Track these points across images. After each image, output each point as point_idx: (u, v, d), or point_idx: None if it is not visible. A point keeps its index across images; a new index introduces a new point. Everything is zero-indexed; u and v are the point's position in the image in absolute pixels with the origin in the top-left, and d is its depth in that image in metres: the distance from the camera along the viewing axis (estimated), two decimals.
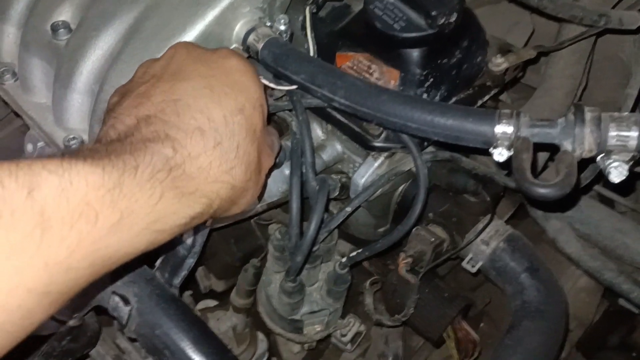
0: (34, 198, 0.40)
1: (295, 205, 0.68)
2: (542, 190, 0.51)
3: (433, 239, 0.84)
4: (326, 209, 0.69)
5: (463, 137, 0.59)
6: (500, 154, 0.57)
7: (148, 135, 0.50)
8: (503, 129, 0.56)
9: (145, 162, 0.47)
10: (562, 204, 1.02)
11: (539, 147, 0.57)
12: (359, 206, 0.81)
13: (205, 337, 0.76)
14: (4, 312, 0.40)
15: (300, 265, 0.70)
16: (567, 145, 0.55)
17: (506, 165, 0.57)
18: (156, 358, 0.76)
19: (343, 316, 0.98)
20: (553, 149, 0.57)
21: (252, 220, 1.08)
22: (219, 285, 1.20)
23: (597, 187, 1.16)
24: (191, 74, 0.56)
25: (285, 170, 0.88)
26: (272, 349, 1.13)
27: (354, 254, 0.80)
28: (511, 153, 0.57)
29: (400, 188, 0.91)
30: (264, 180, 0.62)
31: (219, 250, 1.11)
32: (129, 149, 0.47)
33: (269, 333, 1.14)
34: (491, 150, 0.58)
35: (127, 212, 0.44)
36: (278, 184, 0.89)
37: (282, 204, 0.94)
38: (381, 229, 0.97)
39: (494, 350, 0.80)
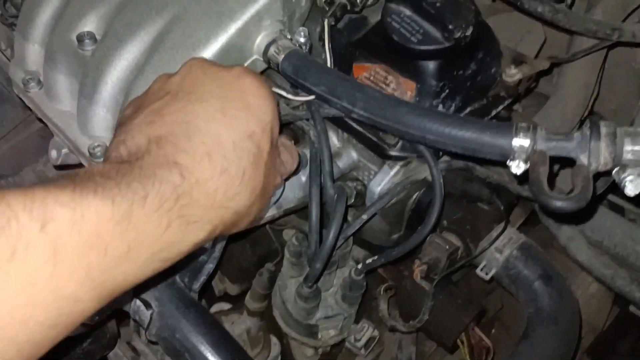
0: (47, 232, 0.40)
1: (314, 212, 0.70)
2: (559, 204, 0.53)
3: (447, 247, 0.85)
4: (344, 217, 0.70)
5: (480, 149, 0.60)
6: (517, 167, 0.58)
7: (158, 159, 0.50)
8: (520, 142, 0.58)
9: (154, 191, 0.47)
10: (578, 215, 1.03)
11: (554, 160, 0.59)
12: (375, 214, 0.83)
13: (224, 341, 0.78)
14: (15, 345, 0.40)
15: (319, 272, 0.71)
16: (583, 159, 0.57)
17: (523, 177, 0.59)
18: None
19: (357, 321, 1.00)
20: (569, 163, 0.58)
21: (267, 226, 1.10)
22: (233, 289, 1.22)
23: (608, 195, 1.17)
24: (205, 95, 0.57)
25: (302, 177, 0.90)
26: (285, 353, 1.15)
27: (369, 260, 0.81)
28: (528, 166, 0.58)
29: (415, 195, 0.92)
30: (268, 200, 0.62)
31: (234, 254, 1.12)
32: (138, 176, 0.47)
33: (282, 336, 1.16)
34: (508, 162, 0.59)
35: (135, 243, 0.45)
36: (295, 190, 0.91)
37: (298, 210, 0.96)
38: (395, 235, 0.99)
39: (508, 357, 0.81)
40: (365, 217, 0.81)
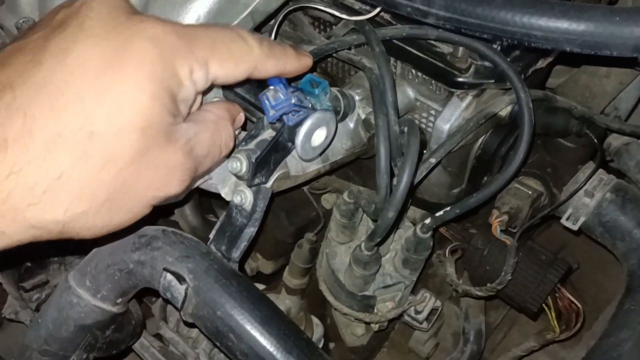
0: None
1: (383, 148, 0.56)
2: None
3: (530, 192, 0.72)
4: (420, 154, 0.57)
5: (607, 42, 0.46)
6: None
7: None
8: None
9: None
10: None
11: None
12: (445, 156, 0.69)
13: (274, 317, 0.64)
14: None
15: (391, 223, 0.58)
16: None
17: None
18: (219, 343, 0.64)
19: (413, 292, 0.87)
20: None
21: (305, 189, 0.97)
22: (267, 267, 1.09)
23: None
24: (83, 42, 0.45)
25: (350, 123, 0.77)
26: (329, 334, 1.02)
27: (440, 213, 0.68)
28: None
29: (480, 140, 0.79)
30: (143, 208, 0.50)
31: (267, 227, 0.99)
32: None
33: (324, 316, 1.03)
34: None
35: None
36: (342, 140, 0.77)
37: (346, 165, 0.83)
38: (455, 190, 0.85)
39: (611, 318, 0.67)
40: (433, 160, 0.68)
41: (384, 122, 0.57)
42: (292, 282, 1.01)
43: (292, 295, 1.02)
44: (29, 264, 0.96)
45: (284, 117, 0.62)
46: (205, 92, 0.54)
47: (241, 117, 0.61)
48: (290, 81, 0.62)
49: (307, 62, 0.61)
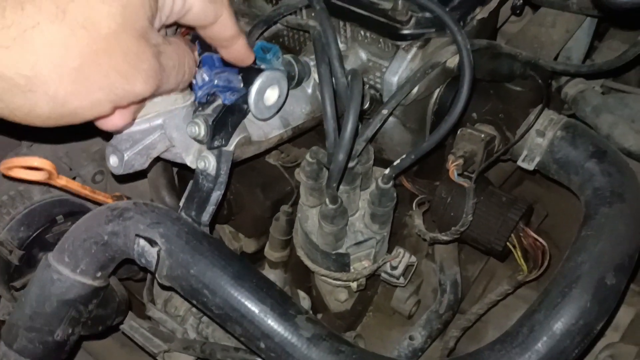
0: None
1: (327, 94, 0.59)
2: None
3: (483, 136, 0.75)
4: (362, 107, 0.60)
5: None
6: None
7: None
8: None
9: None
10: None
11: None
12: (396, 107, 0.72)
13: (246, 271, 0.67)
14: None
15: (343, 166, 0.61)
16: None
17: None
18: (195, 301, 0.67)
19: (389, 251, 0.90)
20: None
21: (277, 164, 1.00)
22: (249, 246, 1.12)
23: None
24: None
25: (308, 88, 0.80)
26: (316, 306, 1.04)
27: (397, 161, 0.71)
28: None
29: (436, 94, 0.82)
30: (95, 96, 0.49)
31: (245, 204, 1.02)
32: None
33: (310, 289, 1.05)
34: None
35: None
36: (301, 105, 0.80)
37: (308, 131, 0.86)
38: None
39: (571, 245, 0.70)
40: (385, 111, 0.71)
41: (326, 70, 0.60)
42: (274, 255, 1.04)
43: (275, 269, 1.04)
44: (17, 264, 0.99)
45: (221, 96, 0.66)
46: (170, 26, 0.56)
47: (196, 56, 0.63)
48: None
49: (250, 59, 0.64)
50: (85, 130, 0.58)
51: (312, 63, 0.79)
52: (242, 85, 0.66)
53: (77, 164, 1.12)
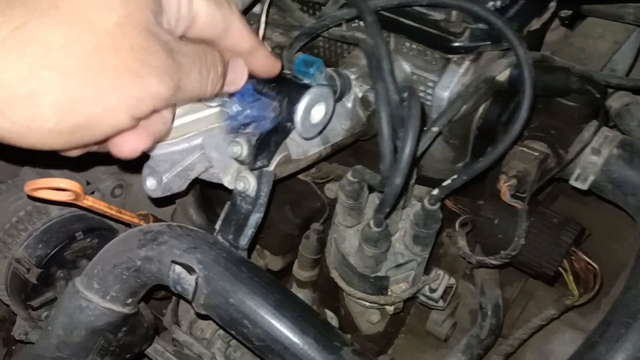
0: None
1: (384, 113, 0.55)
2: None
3: (537, 154, 0.71)
4: (423, 122, 0.56)
5: None
6: None
7: None
8: None
9: None
10: None
11: None
12: (446, 124, 0.68)
13: (287, 299, 0.63)
14: None
15: (398, 191, 0.56)
16: None
17: None
18: (234, 331, 0.63)
19: (426, 272, 0.85)
20: None
21: (308, 179, 0.96)
22: (275, 263, 1.08)
23: None
24: None
25: (347, 103, 0.76)
26: (344, 326, 1.00)
27: (447, 181, 0.67)
28: None
29: (481, 109, 0.78)
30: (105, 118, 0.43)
31: (273, 221, 0.98)
32: None
33: (338, 309, 1.01)
34: None
35: None
36: (341, 120, 0.76)
37: (347, 147, 0.82)
38: (460, 164, 0.84)
39: (630, 272, 0.66)
40: (436, 129, 0.67)
41: (383, 87, 0.56)
42: (302, 274, 0.99)
43: (303, 289, 1.00)
44: (34, 282, 0.95)
45: (251, 125, 0.62)
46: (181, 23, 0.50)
47: (240, 64, 0.56)
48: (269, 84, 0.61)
49: (277, 69, 0.59)
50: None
51: (352, 76, 0.75)
52: (275, 114, 0.62)
53: (95, 178, 1.08)
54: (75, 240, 0.97)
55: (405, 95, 0.57)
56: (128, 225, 0.97)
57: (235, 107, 0.59)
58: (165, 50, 0.44)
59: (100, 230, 0.99)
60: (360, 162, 0.94)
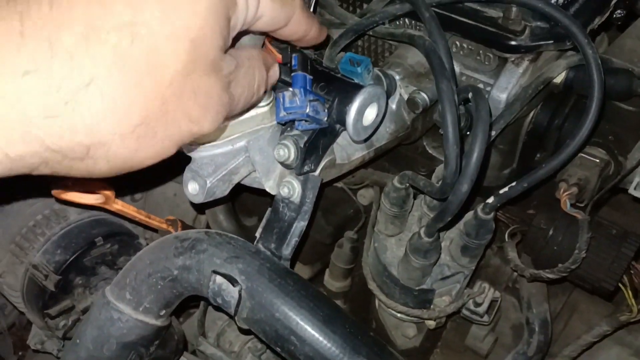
0: None
1: (450, 115, 0.51)
2: None
3: (597, 161, 0.66)
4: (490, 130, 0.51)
5: None
6: None
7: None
8: None
9: None
10: None
11: None
12: (504, 129, 0.64)
13: (336, 314, 0.59)
14: None
15: (464, 199, 0.52)
16: None
17: None
18: (279, 349, 0.58)
19: (467, 285, 0.81)
20: None
21: (342, 185, 0.92)
22: (303, 273, 1.03)
23: None
24: None
25: (392, 105, 0.72)
26: None
27: (505, 189, 0.62)
28: None
29: (531, 113, 0.74)
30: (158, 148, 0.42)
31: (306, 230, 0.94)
32: None
33: (369, 320, 0.97)
34: None
35: None
36: (386, 123, 0.72)
37: (387, 153, 0.78)
38: (506, 171, 0.80)
39: None
40: (493, 132, 0.63)
41: (448, 87, 0.52)
42: (335, 285, 0.95)
43: (335, 300, 0.96)
44: (52, 290, 0.91)
45: (295, 122, 0.58)
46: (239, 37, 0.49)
47: (276, 69, 0.55)
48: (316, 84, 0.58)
49: (324, 34, 0.57)
50: None
51: (397, 77, 0.71)
52: (326, 118, 0.58)
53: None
54: (94, 246, 0.93)
55: (469, 95, 0.53)
56: (154, 230, 0.93)
57: (296, 100, 0.54)
58: (224, 89, 0.44)
59: (120, 235, 0.95)
60: (395, 167, 0.90)
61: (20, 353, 1.29)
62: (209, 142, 0.56)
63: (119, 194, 0.75)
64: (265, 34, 0.53)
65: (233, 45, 0.48)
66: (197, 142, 0.55)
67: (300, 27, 0.51)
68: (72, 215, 0.96)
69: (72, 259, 0.92)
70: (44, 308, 0.93)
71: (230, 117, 0.49)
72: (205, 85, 0.41)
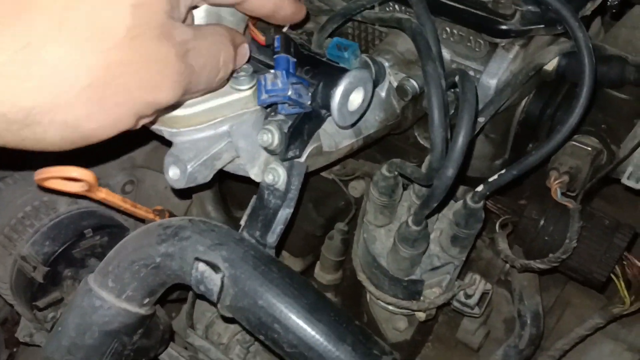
0: None
1: (436, 98, 0.50)
2: None
3: (589, 149, 0.65)
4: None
5: None
6: None
7: None
8: None
9: None
10: None
11: None
12: (493, 115, 0.63)
13: (321, 303, 0.58)
14: None
15: (450, 183, 0.51)
16: None
17: None
18: (263, 337, 0.57)
19: (459, 277, 0.80)
20: None
21: (332, 176, 0.90)
22: (294, 265, 1.02)
23: None
24: None
25: (381, 92, 0.71)
26: None
27: (494, 177, 0.61)
28: None
29: (523, 102, 0.73)
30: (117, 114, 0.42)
31: (294, 221, 0.92)
32: None
33: (360, 313, 0.96)
34: None
35: None
36: (374, 111, 0.71)
37: (376, 142, 0.77)
38: (498, 161, 0.79)
39: None
40: (482, 119, 0.62)
41: (433, 69, 0.51)
42: (325, 277, 0.94)
43: (326, 293, 0.95)
44: (41, 282, 0.90)
45: (278, 106, 0.57)
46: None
47: (245, 48, 0.54)
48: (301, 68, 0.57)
49: (303, 11, 0.56)
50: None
51: (386, 64, 0.70)
52: (310, 102, 0.57)
53: (105, 174, 1.04)
54: (84, 237, 0.92)
55: (456, 79, 0.52)
56: (142, 220, 0.92)
57: (278, 82, 0.53)
58: (179, 57, 0.42)
59: (110, 227, 0.94)
60: (387, 158, 0.89)
61: (14, 349, 1.28)
62: (190, 125, 0.55)
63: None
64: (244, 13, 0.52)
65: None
66: (178, 124, 0.54)
67: (267, 1, 0.50)
68: (61, 207, 0.95)
69: (61, 250, 0.91)
70: (32, 300, 0.92)
71: (194, 91, 0.47)
72: (154, 50, 0.40)
